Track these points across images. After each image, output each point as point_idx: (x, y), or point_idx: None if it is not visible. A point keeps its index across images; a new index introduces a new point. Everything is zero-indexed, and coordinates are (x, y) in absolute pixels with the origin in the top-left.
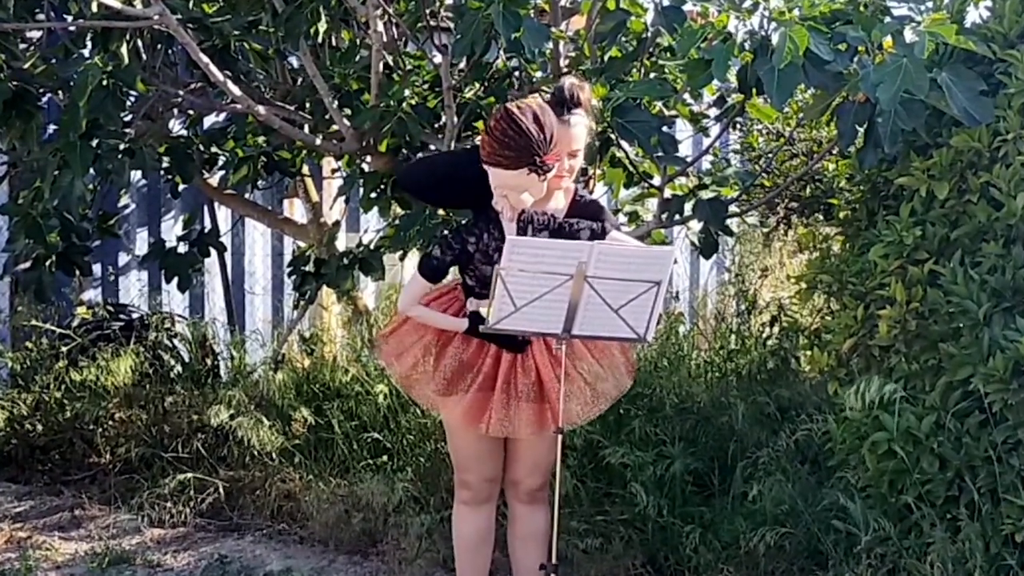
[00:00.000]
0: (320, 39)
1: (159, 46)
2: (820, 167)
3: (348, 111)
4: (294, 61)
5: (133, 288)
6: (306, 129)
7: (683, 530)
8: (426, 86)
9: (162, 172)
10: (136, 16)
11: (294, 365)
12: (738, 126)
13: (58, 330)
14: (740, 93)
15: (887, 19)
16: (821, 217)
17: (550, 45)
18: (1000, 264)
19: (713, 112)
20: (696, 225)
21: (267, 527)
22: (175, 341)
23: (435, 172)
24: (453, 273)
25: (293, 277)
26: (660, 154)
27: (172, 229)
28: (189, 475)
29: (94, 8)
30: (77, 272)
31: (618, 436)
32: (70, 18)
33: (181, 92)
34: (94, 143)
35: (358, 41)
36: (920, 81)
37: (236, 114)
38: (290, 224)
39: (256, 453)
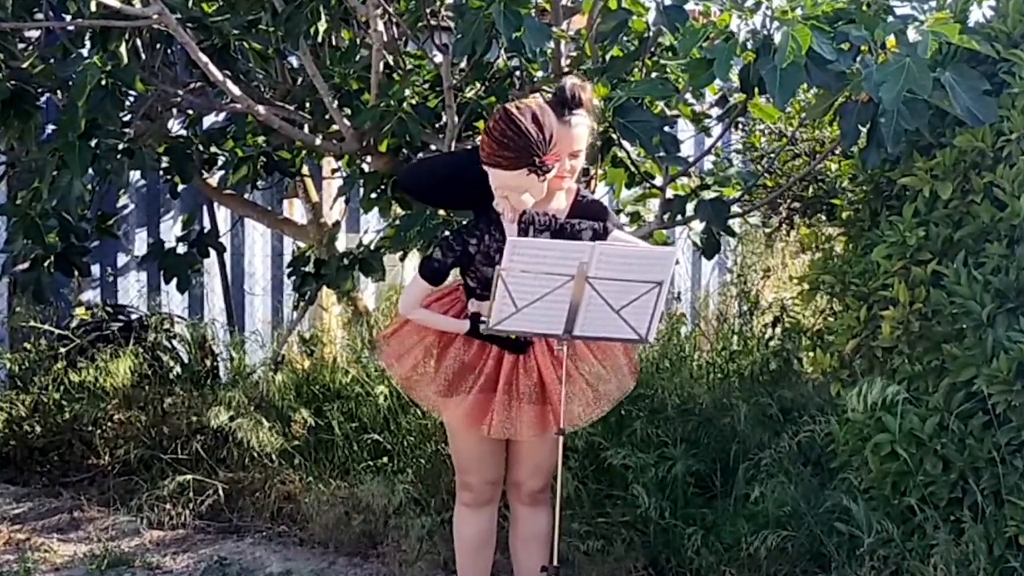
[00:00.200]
0: (320, 38)
1: (158, 46)
2: (823, 167)
3: (348, 111)
4: (294, 61)
5: (132, 289)
6: (306, 129)
7: (685, 532)
8: (427, 86)
9: (161, 172)
10: (135, 15)
11: (294, 366)
12: (740, 126)
13: (57, 331)
14: (742, 93)
15: (890, 18)
16: (824, 217)
17: (551, 44)
18: (1004, 265)
19: (715, 112)
20: (698, 225)
21: (267, 529)
22: (174, 342)
23: (436, 173)
24: (454, 275)
25: (293, 278)
26: (662, 154)
27: (171, 229)
28: (188, 477)
29: (93, 7)
30: (76, 273)
31: (620, 437)
32: (69, 17)
33: (180, 92)
34: (93, 143)
35: (358, 40)
36: (923, 81)
37: (236, 114)
38: (290, 224)
39: (256, 454)
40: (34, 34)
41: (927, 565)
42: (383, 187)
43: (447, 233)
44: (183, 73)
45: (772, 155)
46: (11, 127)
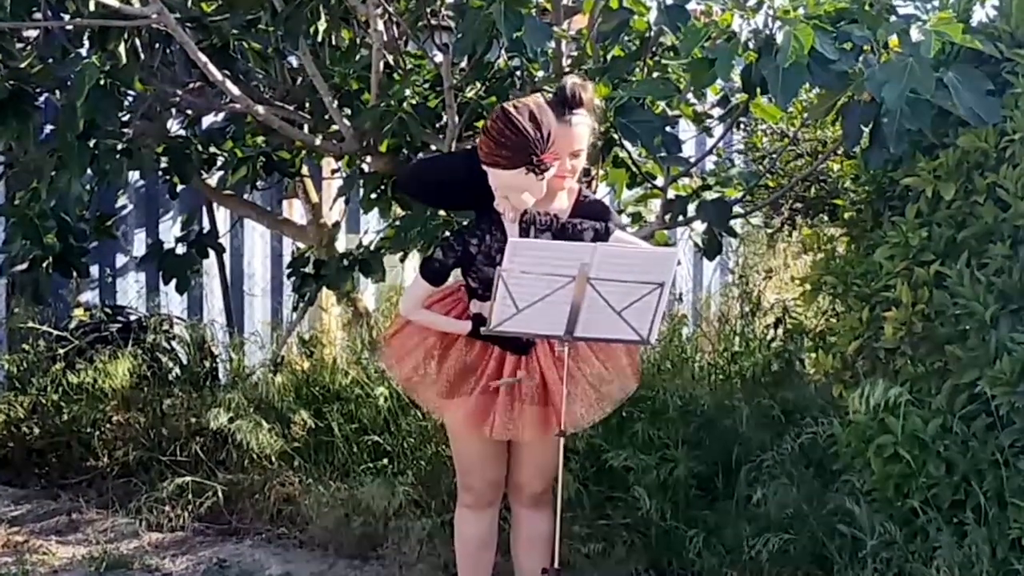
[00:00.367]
0: (320, 38)
1: (157, 45)
2: (825, 167)
3: (348, 111)
4: (294, 60)
5: (131, 290)
6: (306, 129)
7: (686, 534)
8: (427, 86)
9: (160, 172)
10: (134, 15)
11: (293, 367)
12: (742, 126)
13: (55, 332)
14: (744, 93)
15: (893, 18)
16: (826, 218)
17: (552, 44)
18: (1007, 265)
19: (717, 112)
20: (700, 226)
21: (266, 531)
22: (173, 343)
23: (435, 174)
24: (456, 275)
25: (292, 279)
26: (663, 154)
27: (170, 230)
28: (188, 478)
29: (91, 7)
30: (74, 273)
31: (621, 439)
32: (67, 17)
33: (179, 92)
34: (92, 143)
35: (358, 40)
36: (926, 81)
37: (235, 114)
38: (289, 225)
39: (255, 456)
40: (32, 34)
41: (930, 568)
42: (383, 187)
43: (448, 234)
44: (182, 73)
45: (774, 155)
46: (9, 127)
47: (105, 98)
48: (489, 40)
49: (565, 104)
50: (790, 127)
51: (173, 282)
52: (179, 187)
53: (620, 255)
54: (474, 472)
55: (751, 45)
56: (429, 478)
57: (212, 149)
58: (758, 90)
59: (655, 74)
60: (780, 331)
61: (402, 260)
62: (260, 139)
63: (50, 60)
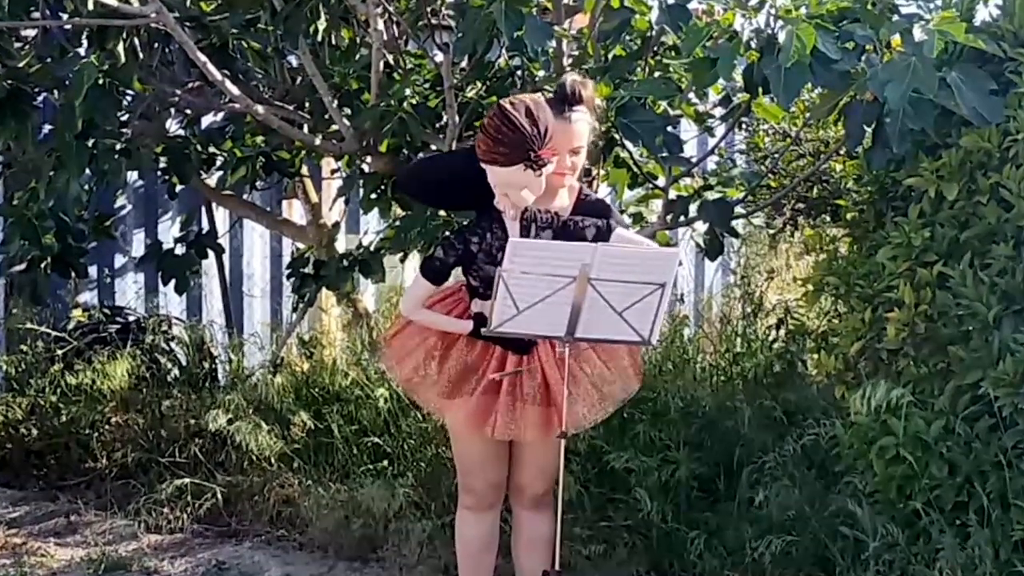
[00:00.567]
0: (320, 38)
1: (156, 45)
2: (827, 167)
3: (348, 111)
4: (293, 60)
5: (130, 290)
6: (305, 129)
7: (688, 536)
8: (427, 85)
9: (159, 172)
10: (133, 14)
11: (293, 368)
12: (744, 126)
13: (53, 333)
14: (746, 92)
15: (895, 17)
16: (828, 218)
17: (553, 44)
18: (1010, 266)
19: (718, 112)
20: (701, 226)
21: (266, 533)
22: (172, 344)
23: (434, 173)
24: (457, 276)
25: (292, 279)
26: (665, 154)
27: (169, 230)
28: (186, 480)
29: (90, 6)
30: (73, 274)
31: (622, 441)
32: (66, 16)
33: (178, 91)
34: (90, 143)
35: (358, 40)
36: (929, 80)
37: (234, 114)
38: (289, 225)
39: (254, 458)
40: (31, 33)
41: (932, 569)
42: (383, 188)
43: (448, 232)
44: (181, 72)
45: (776, 155)
46: (8, 127)
47: (104, 98)
48: (490, 39)
49: (565, 101)
50: (792, 127)
51: (172, 283)
52: (178, 187)
53: (621, 255)
54: (475, 473)
55: (753, 44)
56: (429, 480)
57: (211, 149)
58: (760, 90)
59: (656, 74)
60: (782, 332)
61: (402, 261)
62: (259, 139)
63: (48, 59)
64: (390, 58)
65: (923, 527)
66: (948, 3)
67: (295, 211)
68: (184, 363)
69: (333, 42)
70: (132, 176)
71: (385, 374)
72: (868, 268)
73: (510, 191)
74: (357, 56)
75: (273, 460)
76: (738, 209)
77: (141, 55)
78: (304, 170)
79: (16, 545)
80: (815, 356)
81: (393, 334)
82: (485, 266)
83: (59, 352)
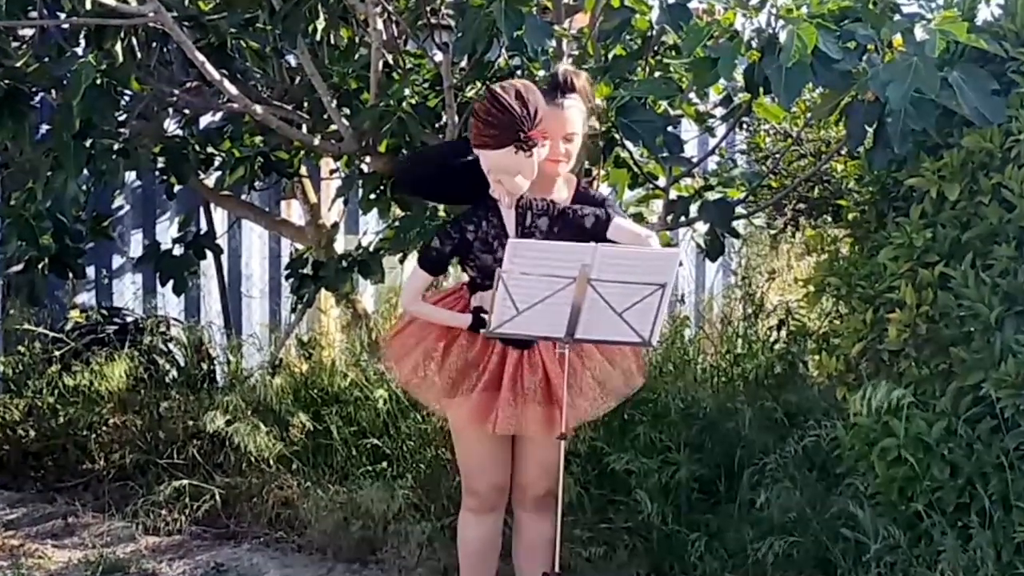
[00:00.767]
0: (318, 37)
1: (154, 44)
2: (828, 168)
3: (347, 111)
4: (292, 60)
5: (127, 291)
6: (304, 129)
7: (688, 538)
8: (427, 85)
9: (157, 173)
10: (131, 13)
11: (292, 370)
12: (745, 126)
13: (51, 334)
14: (747, 92)
15: (897, 17)
16: (829, 219)
17: (553, 43)
18: (1012, 267)
19: (719, 112)
20: (702, 227)
21: (264, 535)
22: (170, 345)
23: (430, 165)
24: (458, 278)
25: (291, 280)
26: (665, 154)
27: (167, 231)
28: (185, 482)
29: (88, 5)
30: (70, 275)
31: (622, 442)
32: (63, 15)
33: (176, 91)
34: (88, 143)
35: (357, 39)
36: (931, 80)
37: (233, 114)
38: (288, 226)
39: (253, 459)
40: (28, 32)
41: (934, 572)
42: (382, 188)
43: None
44: (179, 72)
45: (777, 155)
46: (5, 127)
47: (101, 97)
48: (489, 39)
49: (557, 88)
50: (793, 127)
51: (170, 283)
52: (176, 187)
53: (621, 256)
54: (478, 474)
55: (754, 44)
56: (429, 481)
57: (209, 149)
58: (761, 89)
59: (657, 73)
60: (783, 333)
61: (401, 261)
62: (258, 139)
63: (46, 59)
64: (389, 58)
65: (925, 529)
66: (950, 3)
67: (294, 211)
68: (182, 364)
69: (332, 41)
70: (130, 176)
71: (384, 375)
72: (869, 269)
73: (504, 177)
74: (356, 56)
75: (272, 461)
76: (739, 209)
77: (139, 55)
78: (303, 170)
79: (13, 547)
80: (816, 357)
81: (394, 333)
82: (482, 255)
83: (57, 353)
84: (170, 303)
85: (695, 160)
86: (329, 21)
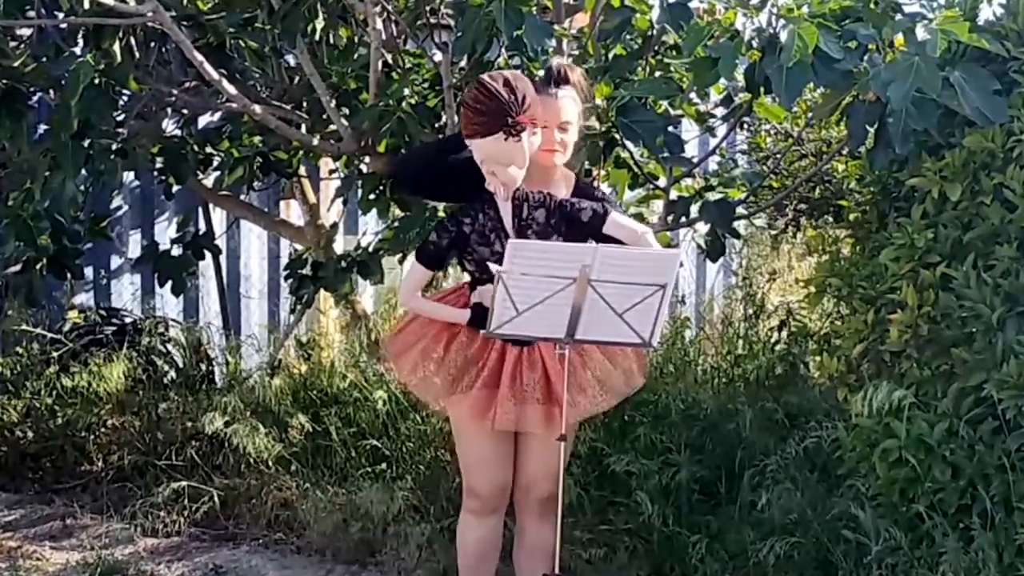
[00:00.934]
0: (317, 37)
1: (152, 44)
2: (830, 168)
3: (346, 110)
4: (291, 59)
5: (126, 292)
6: (303, 129)
7: (689, 540)
8: (426, 85)
9: (155, 173)
10: (129, 13)
11: (291, 370)
12: (745, 126)
13: (49, 335)
14: (748, 92)
15: (898, 16)
16: (831, 219)
17: (553, 43)
18: (1014, 267)
19: (720, 111)
20: (702, 227)
21: (263, 536)
22: (169, 346)
23: (424, 159)
24: (457, 276)
25: (290, 280)
26: (666, 155)
27: (166, 231)
28: (183, 483)
29: (86, 5)
30: (68, 275)
31: (623, 443)
32: (61, 15)
33: (175, 91)
34: (86, 143)
35: (356, 39)
36: (932, 80)
37: (231, 113)
38: (287, 226)
39: (252, 461)
40: (26, 32)
41: (935, 573)
42: (381, 188)
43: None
44: (178, 72)
45: (778, 156)
46: (3, 127)
47: (100, 97)
48: (489, 39)
49: (551, 80)
50: (794, 127)
51: (168, 284)
52: (175, 188)
53: (622, 256)
54: (478, 471)
55: (755, 44)
56: (428, 483)
57: (208, 149)
58: (762, 89)
59: (657, 73)
60: (784, 334)
61: (401, 262)
62: (257, 139)
63: (44, 59)
64: (388, 57)
65: (926, 530)
66: (951, 2)
67: (293, 212)
68: (181, 365)
69: (331, 41)
70: (128, 176)
71: (384, 376)
72: (871, 269)
73: (497, 168)
74: (355, 55)
75: (271, 463)
76: (740, 210)
77: (137, 54)
78: (302, 170)
79: (11, 549)
80: (817, 358)
81: (395, 333)
82: (479, 248)
83: (55, 354)
84: (168, 304)
85: (696, 160)
86: (328, 21)
